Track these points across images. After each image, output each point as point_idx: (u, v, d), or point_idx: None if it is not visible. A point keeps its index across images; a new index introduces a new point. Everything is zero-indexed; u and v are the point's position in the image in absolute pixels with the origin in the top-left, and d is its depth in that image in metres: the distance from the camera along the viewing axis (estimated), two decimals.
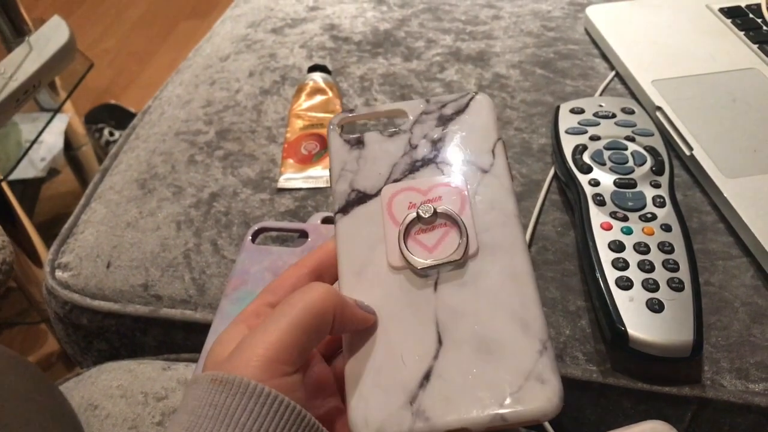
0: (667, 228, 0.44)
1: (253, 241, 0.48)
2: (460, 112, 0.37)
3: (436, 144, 0.35)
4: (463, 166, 0.34)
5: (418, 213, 0.32)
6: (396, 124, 0.36)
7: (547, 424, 0.41)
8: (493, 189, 0.33)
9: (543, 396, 0.27)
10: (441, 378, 0.28)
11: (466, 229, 0.32)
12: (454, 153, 0.35)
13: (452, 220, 0.32)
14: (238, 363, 0.26)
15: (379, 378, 0.28)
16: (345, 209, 0.34)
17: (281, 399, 0.26)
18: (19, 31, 1.04)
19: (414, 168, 0.35)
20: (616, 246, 0.43)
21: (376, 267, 0.32)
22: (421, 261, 0.31)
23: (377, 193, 0.34)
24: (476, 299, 0.30)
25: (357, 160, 0.35)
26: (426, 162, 0.35)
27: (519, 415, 0.27)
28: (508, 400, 0.27)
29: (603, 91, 0.61)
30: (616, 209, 0.45)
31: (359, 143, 0.36)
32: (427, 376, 0.28)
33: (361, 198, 0.34)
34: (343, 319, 0.29)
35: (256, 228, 0.49)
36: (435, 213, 0.32)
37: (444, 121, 0.36)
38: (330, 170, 0.36)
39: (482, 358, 0.28)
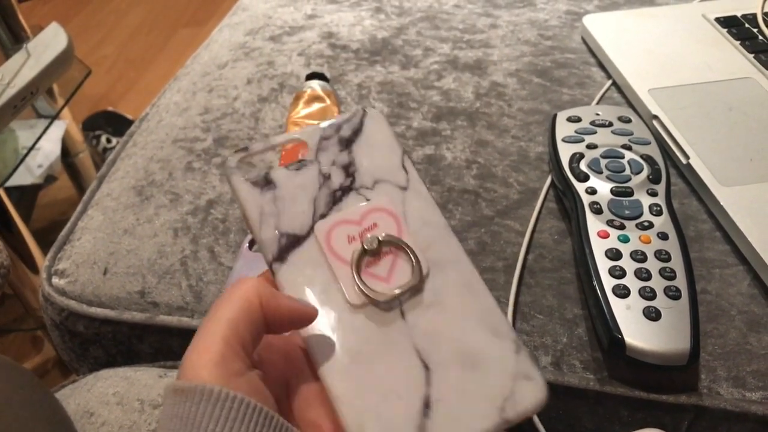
0: (663, 236, 0.44)
1: (250, 248, 0.48)
2: (357, 132, 0.36)
3: (348, 169, 0.35)
4: (381, 187, 0.34)
5: (363, 247, 0.32)
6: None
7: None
8: (418, 204, 0.34)
9: (533, 391, 0.29)
10: (440, 402, 0.29)
11: (414, 252, 0.32)
12: (368, 176, 0.34)
13: (396, 245, 0.32)
14: (190, 371, 0.26)
15: (381, 421, 0.28)
16: (281, 257, 0.32)
17: (247, 401, 0.25)
18: (17, 38, 1.04)
19: (336, 199, 0.34)
20: (613, 254, 0.43)
21: (335, 308, 0.31)
22: (384, 294, 0.31)
23: (309, 233, 0.33)
24: (444, 317, 0.31)
25: (273, 202, 0.33)
26: (345, 190, 0.34)
27: (519, 414, 0.29)
28: (506, 405, 0.29)
29: (600, 99, 0.61)
30: (613, 217, 0.45)
31: (268, 183, 0.34)
32: (427, 404, 0.29)
33: (293, 242, 0.32)
34: (272, 308, 0.29)
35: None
36: (380, 242, 0.32)
37: (345, 144, 0.35)
38: (246, 218, 0.33)
39: (470, 373, 0.30)
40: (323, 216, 0.33)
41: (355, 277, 0.31)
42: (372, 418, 0.28)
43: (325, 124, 0.36)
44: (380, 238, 0.32)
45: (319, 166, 0.35)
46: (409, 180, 0.34)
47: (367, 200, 0.34)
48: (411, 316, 0.31)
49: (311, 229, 0.33)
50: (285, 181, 0.34)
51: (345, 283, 0.31)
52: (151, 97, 0.71)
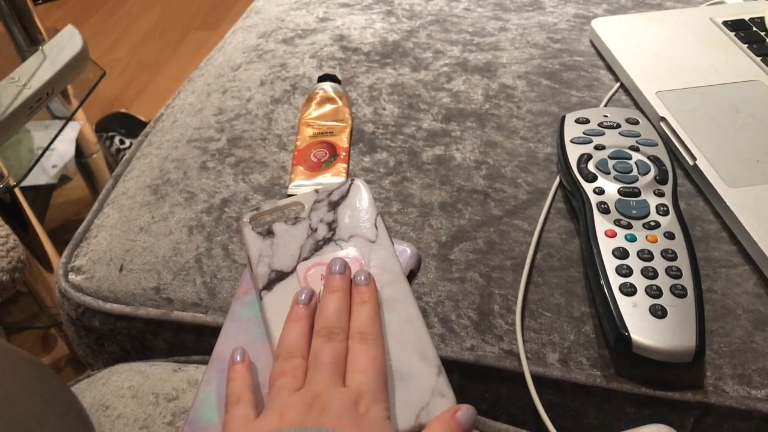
0: (670, 236, 0.44)
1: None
2: (344, 197, 0.47)
3: (331, 225, 0.46)
4: (355, 240, 0.45)
5: None
6: (296, 213, 0.48)
7: (551, 427, 0.41)
8: (381, 255, 0.44)
9: (444, 406, 0.37)
10: None
11: None
12: (346, 231, 0.45)
13: None
14: None
15: None
16: (268, 286, 0.43)
17: None
18: (33, 40, 1.06)
19: (317, 247, 0.45)
20: (620, 253, 0.44)
21: None
22: None
23: (293, 271, 0.44)
24: (387, 340, 0.40)
25: (270, 247, 0.45)
26: (326, 241, 0.45)
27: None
28: (422, 413, 0.37)
29: (608, 101, 0.62)
30: (620, 217, 0.46)
31: (270, 233, 0.46)
32: None
33: (279, 276, 0.44)
34: None
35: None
36: None
37: (333, 206, 0.47)
38: (248, 257, 0.45)
39: (400, 384, 0.38)
40: (306, 259, 0.44)
41: None
42: None
43: (321, 190, 0.48)
44: None
45: (309, 222, 0.46)
46: (378, 236, 0.45)
47: (341, 249, 0.44)
48: None
49: (295, 268, 0.44)
50: (282, 232, 0.46)
51: None
52: (163, 99, 0.72)
